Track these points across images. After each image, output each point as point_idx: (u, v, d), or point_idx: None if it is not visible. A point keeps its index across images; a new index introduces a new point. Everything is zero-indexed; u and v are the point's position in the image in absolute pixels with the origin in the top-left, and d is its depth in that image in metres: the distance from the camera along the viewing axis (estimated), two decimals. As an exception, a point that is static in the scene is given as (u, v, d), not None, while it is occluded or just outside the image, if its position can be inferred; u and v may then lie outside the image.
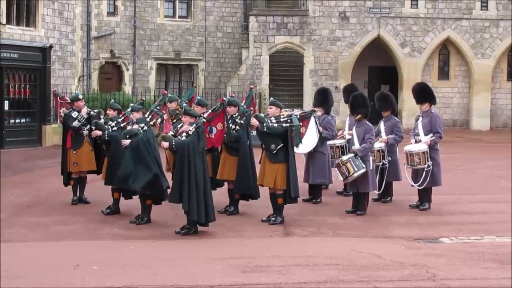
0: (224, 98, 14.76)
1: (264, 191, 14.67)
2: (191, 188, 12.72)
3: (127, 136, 14.01)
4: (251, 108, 15.51)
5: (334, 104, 18.67)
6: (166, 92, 16.92)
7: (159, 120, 14.18)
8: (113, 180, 14.85)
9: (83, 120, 15.98)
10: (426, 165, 15.23)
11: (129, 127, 14.39)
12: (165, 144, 13.05)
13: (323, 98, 16.95)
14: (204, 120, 13.46)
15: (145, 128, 14.02)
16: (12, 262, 10.89)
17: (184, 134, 13.02)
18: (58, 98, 17.07)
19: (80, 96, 16.63)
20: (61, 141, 17.12)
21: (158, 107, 15.13)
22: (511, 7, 37.74)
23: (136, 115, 14.40)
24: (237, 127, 14.77)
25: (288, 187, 13.85)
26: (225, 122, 14.22)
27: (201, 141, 12.95)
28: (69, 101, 16.62)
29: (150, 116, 14.50)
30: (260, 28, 37.15)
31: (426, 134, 15.48)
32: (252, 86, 18.22)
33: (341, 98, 21.73)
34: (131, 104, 15.10)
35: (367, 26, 37.56)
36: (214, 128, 14.09)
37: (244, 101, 15.92)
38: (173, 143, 12.91)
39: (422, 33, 37.88)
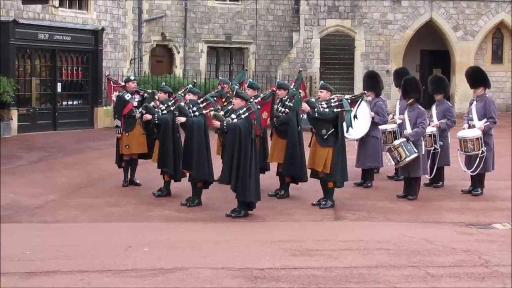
0: (274, 89, 14.67)
1: (314, 175, 14.61)
2: (240, 170, 12.73)
3: (178, 112, 14.08)
4: (301, 91, 15.43)
5: (384, 88, 18.50)
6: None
7: (212, 113, 13.99)
8: (163, 162, 14.93)
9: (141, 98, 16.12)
10: (480, 151, 15.03)
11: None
12: (217, 123, 13.03)
13: (374, 82, 16.79)
14: (259, 107, 13.34)
15: (197, 113, 14.02)
16: (64, 243, 11.03)
17: (234, 115, 12.99)
18: (111, 82, 17.17)
19: (132, 77, 16.72)
20: (112, 123, 17.20)
21: (215, 98, 15.07)
22: None
23: (191, 97, 14.42)
24: (287, 109, 14.76)
25: (331, 170, 13.79)
26: (271, 112, 14.15)
27: (259, 126, 12.97)
28: (122, 84, 16.71)
29: (204, 104, 14.35)
30: (311, 11, 36.98)
31: (480, 119, 15.26)
32: (301, 69, 18.13)
33: (392, 82, 21.53)
34: (189, 85, 15.03)
35: (419, 9, 37.15)
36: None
37: (293, 83, 15.83)
38: (225, 124, 12.90)
39: (475, 16, 37.34)
